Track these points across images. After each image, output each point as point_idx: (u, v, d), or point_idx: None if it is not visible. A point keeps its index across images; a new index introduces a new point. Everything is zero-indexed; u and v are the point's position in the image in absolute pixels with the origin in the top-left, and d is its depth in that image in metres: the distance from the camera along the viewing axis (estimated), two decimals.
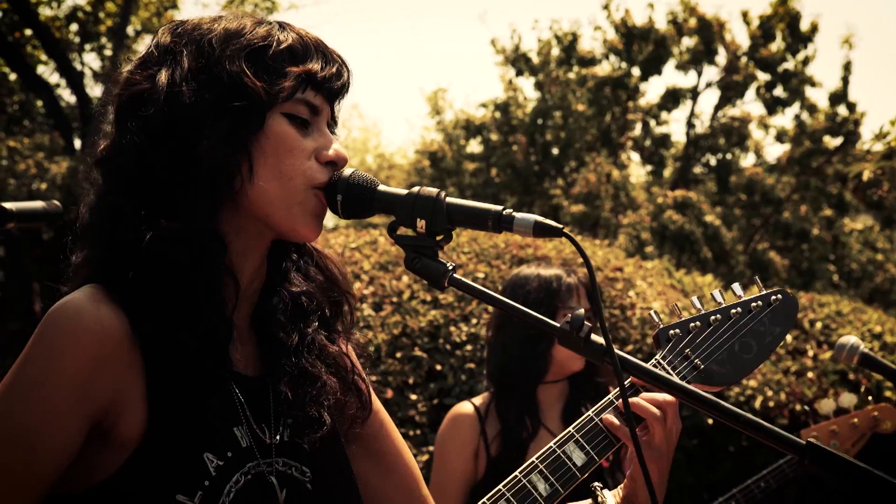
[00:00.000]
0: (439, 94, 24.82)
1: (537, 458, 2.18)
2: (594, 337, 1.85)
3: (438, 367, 6.50)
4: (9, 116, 18.29)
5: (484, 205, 1.95)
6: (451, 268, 1.94)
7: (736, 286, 2.37)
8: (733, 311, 2.34)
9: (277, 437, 2.03)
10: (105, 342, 1.80)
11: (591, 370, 4.11)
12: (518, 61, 23.32)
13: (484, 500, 2.12)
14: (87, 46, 18.78)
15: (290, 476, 2.03)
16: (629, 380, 2.26)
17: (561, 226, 1.87)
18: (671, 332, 2.30)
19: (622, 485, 2.31)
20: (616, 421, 2.19)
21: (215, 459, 1.89)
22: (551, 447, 2.19)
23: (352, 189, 2.00)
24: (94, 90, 18.45)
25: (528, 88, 27.32)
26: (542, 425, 4.08)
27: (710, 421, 6.37)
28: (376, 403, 2.27)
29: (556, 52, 23.32)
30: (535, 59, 23.24)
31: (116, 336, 1.82)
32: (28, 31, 17.13)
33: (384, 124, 64.60)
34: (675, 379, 1.85)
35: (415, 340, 6.62)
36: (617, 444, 2.20)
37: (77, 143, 17.01)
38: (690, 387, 1.81)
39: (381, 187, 2.01)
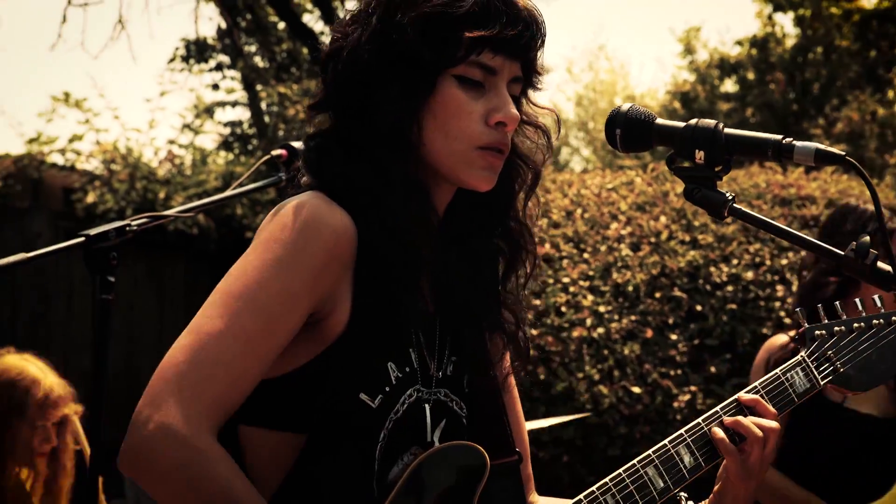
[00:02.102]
0: (692, 33, 24.23)
1: (652, 452, 2.19)
2: (881, 264, 1.84)
3: (699, 308, 6.47)
4: (278, 64, 19.20)
5: (763, 134, 1.96)
6: (730, 197, 1.97)
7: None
8: (875, 321, 2.41)
9: (441, 373, 2.13)
10: (340, 239, 1.94)
11: None
12: None
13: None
14: None
15: (450, 408, 2.14)
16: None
17: (843, 153, 1.86)
18: (817, 332, 2.38)
19: (708, 499, 2.31)
20: (720, 434, 2.20)
21: (396, 370, 2.01)
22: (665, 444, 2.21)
23: (630, 123, 2.04)
24: None
25: (787, 25, 26.27)
26: None
27: None
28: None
29: None
30: None
31: (349, 236, 1.95)
32: None
33: (632, 65, 63.33)
34: None
35: (674, 280, 6.60)
36: (720, 456, 2.21)
37: None
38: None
39: (659, 120, 2.04)
